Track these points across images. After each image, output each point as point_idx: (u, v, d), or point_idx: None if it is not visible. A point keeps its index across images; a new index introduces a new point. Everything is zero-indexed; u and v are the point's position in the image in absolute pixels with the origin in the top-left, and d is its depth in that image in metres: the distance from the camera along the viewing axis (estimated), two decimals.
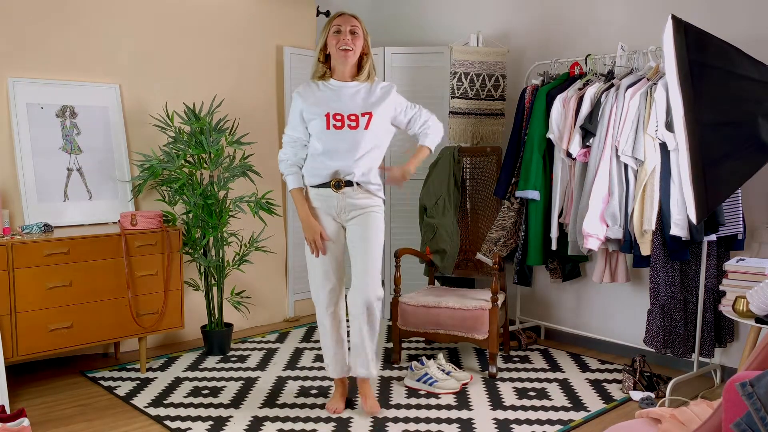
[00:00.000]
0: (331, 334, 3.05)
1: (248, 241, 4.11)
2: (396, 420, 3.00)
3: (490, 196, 4.12)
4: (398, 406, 3.16)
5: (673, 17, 2.68)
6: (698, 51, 2.71)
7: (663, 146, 3.22)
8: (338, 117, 2.83)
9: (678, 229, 3.19)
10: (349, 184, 2.89)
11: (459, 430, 2.89)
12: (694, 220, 2.77)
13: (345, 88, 2.91)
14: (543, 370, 3.69)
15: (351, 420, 3.00)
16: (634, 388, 3.31)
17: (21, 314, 3.17)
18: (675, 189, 3.20)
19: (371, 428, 2.91)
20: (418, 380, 3.38)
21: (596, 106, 3.44)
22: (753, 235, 3.40)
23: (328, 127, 2.84)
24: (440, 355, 3.52)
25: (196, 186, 3.80)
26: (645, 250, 3.28)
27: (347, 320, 3.05)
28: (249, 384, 3.47)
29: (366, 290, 2.91)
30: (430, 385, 3.36)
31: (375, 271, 2.93)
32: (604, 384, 3.47)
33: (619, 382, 3.49)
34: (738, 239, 3.31)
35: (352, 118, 2.85)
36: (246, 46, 4.56)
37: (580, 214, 3.47)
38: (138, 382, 3.51)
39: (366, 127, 2.86)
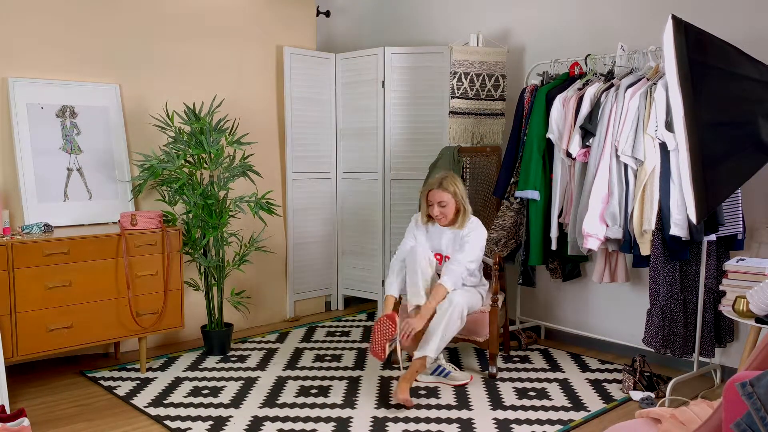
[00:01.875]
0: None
1: (248, 241, 4.11)
2: (396, 420, 3.00)
3: (490, 196, 4.12)
4: (398, 406, 3.16)
5: (673, 17, 2.68)
6: (698, 51, 2.71)
7: (663, 146, 3.22)
8: (437, 255, 3.56)
9: (678, 229, 3.19)
10: None
11: (459, 430, 2.90)
12: (694, 220, 2.77)
13: (443, 234, 3.55)
14: (543, 370, 3.69)
15: (351, 420, 3.00)
16: (634, 388, 3.31)
17: (21, 314, 3.17)
18: (675, 189, 3.20)
19: (371, 428, 2.91)
20: (432, 374, 3.42)
21: (596, 106, 3.44)
22: (753, 235, 3.40)
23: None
24: (441, 355, 3.52)
25: (196, 186, 3.80)
26: (645, 250, 3.28)
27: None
28: (249, 384, 3.47)
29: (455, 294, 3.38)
30: (445, 376, 3.43)
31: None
32: (604, 384, 3.47)
33: (619, 382, 3.49)
34: (738, 239, 3.31)
35: (437, 257, 3.54)
36: (246, 46, 4.56)
37: (579, 214, 3.47)
38: (138, 382, 3.51)
39: None
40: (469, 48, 4.21)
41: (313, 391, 3.37)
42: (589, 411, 3.10)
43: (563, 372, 3.65)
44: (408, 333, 3.23)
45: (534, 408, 3.14)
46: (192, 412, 3.10)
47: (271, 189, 4.48)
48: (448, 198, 3.43)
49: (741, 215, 3.24)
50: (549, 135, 3.69)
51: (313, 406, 3.17)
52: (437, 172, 4.18)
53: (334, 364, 3.78)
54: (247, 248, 4.07)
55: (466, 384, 3.44)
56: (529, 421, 2.98)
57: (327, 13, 5.25)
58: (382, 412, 3.09)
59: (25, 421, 2.57)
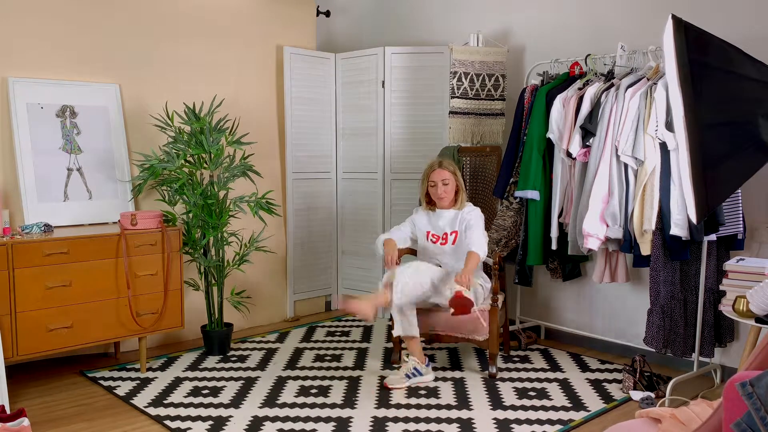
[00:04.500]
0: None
1: (248, 241, 4.11)
2: (396, 420, 3.00)
3: (490, 195, 4.12)
4: (398, 406, 3.16)
5: (673, 17, 2.68)
6: (698, 51, 2.71)
7: (663, 146, 3.22)
8: (435, 235, 3.71)
9: (678, 228, 3.19)
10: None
11: (459, 430, 2.89)
12: (694, 220, 2.77)
13: (443, 215, 3.69)
14: (543, 370, 3.69)
15: (351, 420, 3.00)
16: (634, 388, 3.31)
17: (21, 314, 3.17)
18: (675, 189, 3.20)
19: (371, 428, 2.91)
20: (410, 378, 3.43)
21: (596, 105, 3.44)
22: (753, 235, 3.40)
23: (426, 239, 3.74)
24: (413, 360, 3.48)
25: (196, 186, 3.80)
26: (645, 249, 3.28)
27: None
28: (249, 384, 3.47)
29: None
30: (421, 375, 3.46)
31: None
32: (604, 384, 3.47)
33: (619, 382, 3.49)
34: (738, 239, 3.30)
35: (443, 235, 3.68)
36: (246, 46, 4.56)
37: (580, 213, 3.47)
38: (138, 382, 3.51)
39: (453, 243, 3.66)
40: (469, 48, 4.21)
41: (313, 391, 3.37)
42: (589, 411, 3.10)
43: (563, 372, 3.65)
44: (467, 286, 3.30)
45: (534, 408, 3.13)
46: (192, 412, 3.10)
47: (271, 189, 4.48)
48: (449, 176, 3.61)
49: (741, 215, 3.24)
50: (549, 135, 3.69)
51: (313, 406, 3.17)
52: None
53: (334, 364, 3.78)
54: (247, 248, 4.07)
55: (429, 382, 3.48)
56: (529, 421, 2.98)
57: (327, 13, 5.25)
58: (382, 412, 3.09)
59: (25, 421, 2.56)
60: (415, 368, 3.45)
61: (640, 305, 3.82)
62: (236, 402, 3.22)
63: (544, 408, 3.13)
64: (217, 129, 3.88)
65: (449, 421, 2.99)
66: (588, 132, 3.43)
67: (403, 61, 4.67)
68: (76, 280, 3.33)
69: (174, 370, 3.70)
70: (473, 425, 2.94)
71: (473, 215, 3.63)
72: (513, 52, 4.38)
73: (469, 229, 3.59)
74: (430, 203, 3.71)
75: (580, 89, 3.65)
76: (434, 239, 3.69)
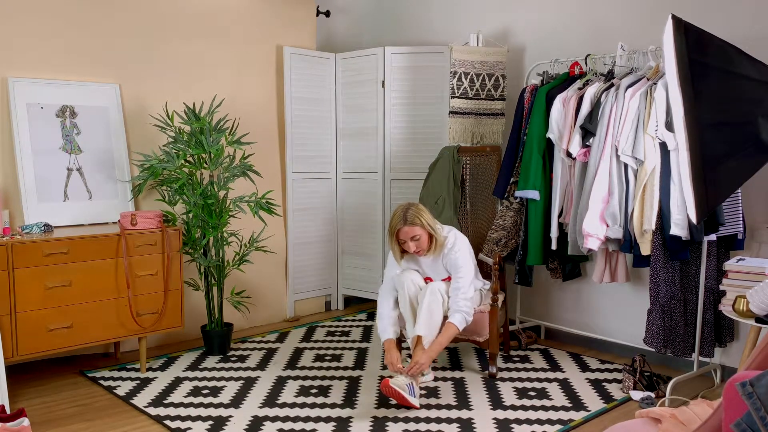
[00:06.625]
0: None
1: (248, 241, 4.11)
2: (396, 420, 3.00)
3: (489, 195, 4.12)
4: (398, 406, 3.16)
5: (673, 17, 2.68)
6: (698, 51, 2.71)
7: (663, 146, 3.22)
8: (427, 278, 3.53)
9: (678, 228, 3.19)
10: None
11: (459, 430, 2.90)
12: (694, 220, 2.77)
13: (424, 260, 3.50)
14: (543, 370, 3.69)
15: (351, 420, 3.00)
16: (634, 388, 3.31)
17: (21, 314, 3.17)
18: (675, 189, 3.20)
19: (371, 428, 2.91)
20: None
21: (596, 105, 3.44)
22: (753, 234, 3.40)
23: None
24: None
25: (196, 186, 3.80)
26: (645, 249, 3.28)
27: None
28: (249, 384, 3.47)
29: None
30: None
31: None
32: (604, 384, 3.47)
33: (619, 381, 3.49)
34: (738, 239, 3.30)
35: (427, 281, 3.50)
36: (246, 46, 4.56)
37: (580, 213, 3.47)
38: (138, 381, 3.51)
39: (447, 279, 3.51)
40: (469, 48, 4.21)
41: (313, 391, 3.37)
42: (589, 411, 3.10)
43: (563, 372, 3.65)
44: (417, 373, 3.15)
45: (534, 408, 3.14)
46: (192, 412, 3.10)
47: (271, 189, 4.49)
48: (419, 231, 3.30)
49: (741, 215, 3.24)
50: (549, 135, 3.69)
51: (313, 406, 3.17)
52: (437, 173, 4.19)
53: (334, 364, 3.78)
54: (247, 248, 4.07)
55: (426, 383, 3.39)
56: (529, 421, 2.98)
57: (327, 13, 5.25)
58: (382, 412, 3.09)
59: (25, 421, 2.56)
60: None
61: (640, 305, 3.82)
62: (236, 402, 3.22)
63: (544, 408, 3.13)
64: (217, 129, 3.88)
65: (449, 421, 2.99)
66: (588, 132, 3.43)
67: (403, 61, 4.67)
68: (76, 280, 3.33)
69: (174, 370, 3.70)
70: (473, 425, 2.94)
71: (457, 255, 3.38)
72: (513, 52, 4.38)
73: (456, 271, 3.37)
74: (404, 252, 3.44)
75: (580, 89, 3.65)
76: (428, 281, 3.49)
